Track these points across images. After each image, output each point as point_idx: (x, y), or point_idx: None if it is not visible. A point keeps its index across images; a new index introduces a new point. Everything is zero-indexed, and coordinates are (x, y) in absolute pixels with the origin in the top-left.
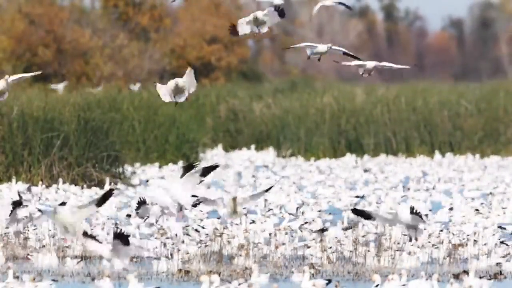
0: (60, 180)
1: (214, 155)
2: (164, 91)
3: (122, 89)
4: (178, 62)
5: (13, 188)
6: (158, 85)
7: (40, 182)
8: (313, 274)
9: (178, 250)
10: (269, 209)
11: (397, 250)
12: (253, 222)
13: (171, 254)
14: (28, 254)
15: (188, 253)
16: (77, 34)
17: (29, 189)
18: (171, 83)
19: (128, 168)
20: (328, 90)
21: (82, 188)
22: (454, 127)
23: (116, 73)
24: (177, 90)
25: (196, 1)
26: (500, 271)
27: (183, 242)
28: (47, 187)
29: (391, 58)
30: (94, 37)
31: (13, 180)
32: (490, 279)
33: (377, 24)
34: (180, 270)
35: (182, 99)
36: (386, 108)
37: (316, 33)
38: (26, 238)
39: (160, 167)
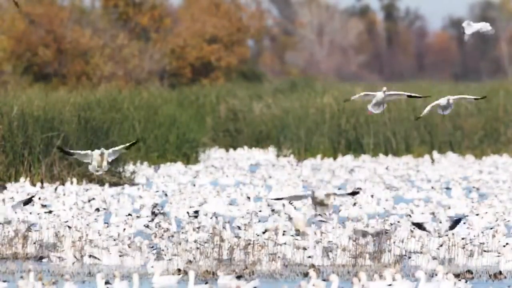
0: (68, 179)
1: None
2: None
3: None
4: (178, 62)
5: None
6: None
7: (44, 183)
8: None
9: (179, 250)
10: (271, 210)
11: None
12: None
13: (171, 254)
14: None
15: (188, 253)
16: (77, 34)
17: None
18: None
19: (129, 168)
20: (328, 90)
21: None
22: (454, 127)
23: (116, 73)
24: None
25: (196, 1)
26: (500, 271)
27: (181, 243)
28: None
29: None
30: (94, 37)
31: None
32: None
33: (377, 24)
34: (179, 270)
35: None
36: (386, 108)
37: (316, 33)
38: (25, 238)
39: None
